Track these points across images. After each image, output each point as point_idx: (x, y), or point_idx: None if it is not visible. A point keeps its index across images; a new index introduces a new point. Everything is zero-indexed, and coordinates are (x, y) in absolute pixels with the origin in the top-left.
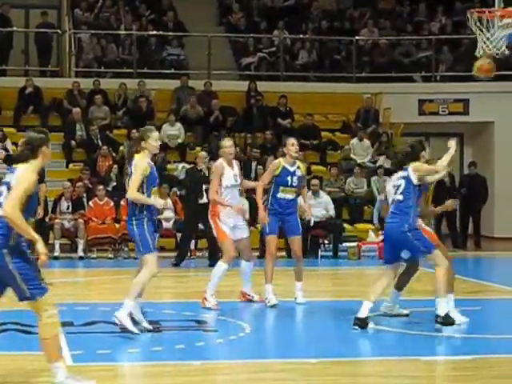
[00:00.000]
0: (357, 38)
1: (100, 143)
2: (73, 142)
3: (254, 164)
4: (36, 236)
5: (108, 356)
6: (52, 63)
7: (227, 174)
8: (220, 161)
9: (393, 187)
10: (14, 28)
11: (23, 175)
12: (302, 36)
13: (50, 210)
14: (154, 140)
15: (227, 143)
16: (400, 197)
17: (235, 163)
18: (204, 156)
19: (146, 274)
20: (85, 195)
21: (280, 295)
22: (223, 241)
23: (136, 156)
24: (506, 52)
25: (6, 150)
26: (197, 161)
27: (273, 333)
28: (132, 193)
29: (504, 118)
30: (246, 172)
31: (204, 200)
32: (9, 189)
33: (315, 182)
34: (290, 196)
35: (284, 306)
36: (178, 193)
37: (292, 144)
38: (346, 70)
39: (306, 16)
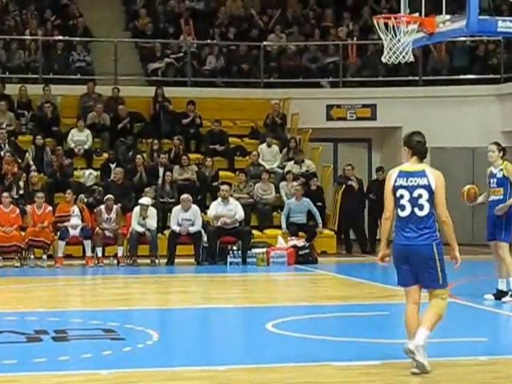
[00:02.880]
0: (264, 43)
1: (6, 149)
2: None
3: (161, 170)
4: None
5: (14, 366)
6: None
7: None
8: None
9: None
10: None
11: (441, 179)
12: (209, 41)
13: None
14: None
15: None
16: None
17: None
18: None
19: None
20: None
21: (190, 302)
22: None
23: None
24: (412, 58)
25: None
26: None
27: (181, 340)
28: None
29: (411, 123)
30: (152, 178)
31: None
32: (430, 192)
33: (225, 187)
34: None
35: (193, 313)
36: (85, 200)
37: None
38: (254, 76)
39: (213, 21)
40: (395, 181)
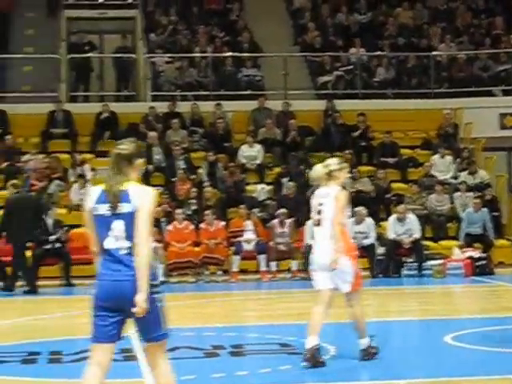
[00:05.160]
0: (434, 53)
1: (181, 166)
2: (150, 167)
3: None
4: None
5: (192, 382)
6: (128, 88)
7: None
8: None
9: None
10: (90, 54)
11: None
12: (379, 53)
13: None
14: None
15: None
16: None
17: None
18: None
19: None
20: (164, 219)
21: (366, 315)
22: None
23: None
24: None
25: (83, 175)
26: None
27: (359, 354)
28: None
29: None
30: None
31: None
32: None
33: (402, 208)
34: None
35: (369, 327)
36: (259, 214)
37: None
38: (425, 86)
39: (382, 33)
40: None
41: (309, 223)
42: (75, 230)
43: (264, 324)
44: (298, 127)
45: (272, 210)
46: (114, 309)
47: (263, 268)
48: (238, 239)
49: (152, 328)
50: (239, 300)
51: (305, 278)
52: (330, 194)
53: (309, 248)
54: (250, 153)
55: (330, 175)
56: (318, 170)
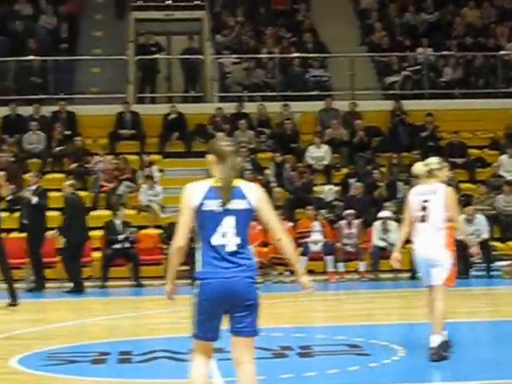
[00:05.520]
0: (501, 52)
1: (248, 167)
2: None
3: (399, 185)
4: None
5: (262, 383)
6: (196, 89)
7: None
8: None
9: None
10: (157, 55)
11: None
12: (446, 53)
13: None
14: None
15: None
16: None
17: None
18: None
19: None
20: None
21: None
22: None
23: None
24: None
25: (151, 176)
26: None
27: (426, 356)
28: None
29: None
30: (391, 194)
31: None
32: None
33: (470, 210)
34: None
35: None
36: (326, 215)
37: None
38: (492, 86)
39: (449, 32)
40: None
41: (376, 224)
42: (144, 231)
43: (332, 325)
44: (365, 127)
45: (339, 210)
46: (220, 308)
47: (331, 269)
48: (306, 240)
49: (249, 321)
50: (307, 301)
51: (372, 279)
52: (436, 191)
53: (376, 249)
54: (318, 153)
55: (430, 173)
56: (418, 167)
